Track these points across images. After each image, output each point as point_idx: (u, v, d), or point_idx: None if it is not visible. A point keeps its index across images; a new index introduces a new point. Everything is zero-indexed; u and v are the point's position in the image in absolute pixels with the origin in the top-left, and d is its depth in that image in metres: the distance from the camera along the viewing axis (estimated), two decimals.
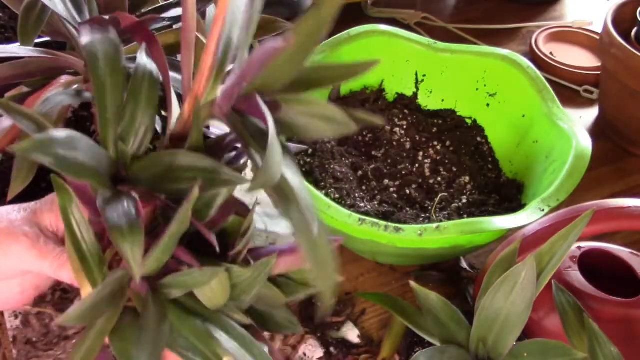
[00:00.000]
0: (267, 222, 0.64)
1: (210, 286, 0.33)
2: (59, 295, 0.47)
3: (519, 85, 0.66)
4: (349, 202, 0.58)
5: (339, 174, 0.62)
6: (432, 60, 0.70)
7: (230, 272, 0.34)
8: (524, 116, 0.66)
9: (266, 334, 0.39)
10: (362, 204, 0.59)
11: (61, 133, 0.26)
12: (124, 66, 0.32)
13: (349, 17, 0.94)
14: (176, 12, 0.39)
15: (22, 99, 0.40)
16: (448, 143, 0.69)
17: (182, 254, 0.33)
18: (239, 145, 0.33)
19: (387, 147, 0.68)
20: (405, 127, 0.70)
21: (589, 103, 0.86)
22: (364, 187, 0.63)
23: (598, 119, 0.83)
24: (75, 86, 0.38)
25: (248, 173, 0.33)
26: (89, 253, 0.34)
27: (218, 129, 0.39)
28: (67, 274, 0.36)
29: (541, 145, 0.62)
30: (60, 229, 0.38)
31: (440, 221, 0.55)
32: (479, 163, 0.68)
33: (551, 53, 0.91)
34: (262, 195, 0.30)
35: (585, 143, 0.56)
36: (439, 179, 0.65)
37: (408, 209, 0.60)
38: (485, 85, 0.70)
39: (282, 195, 0.27)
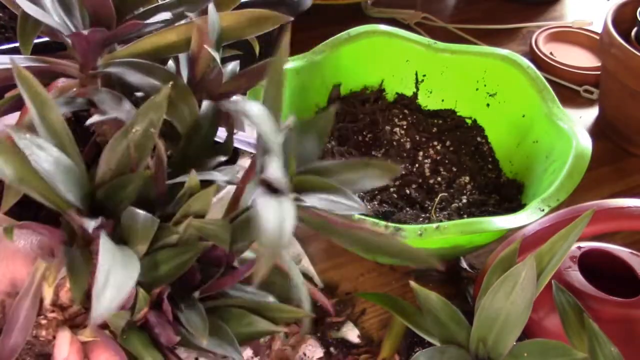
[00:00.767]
0: None
1: None
2: None
3: (519, 85, 0.66)
4: None
5: None
6: (432, 60, 0.70)
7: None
8: (524, 116, 0.66)
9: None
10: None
11: None
12: None
13: (349, 17, 0.94)
14: (162, 16, 0.38)
15: (21, 99, 0.40)
16: (448, 143, 0.69)
17: None
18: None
19: (387, 147, 0.68)
20: (405, 127, 0.70)
21: (589, 103, 0.86)
22: None
23: (598, 119, 0.83)
24: (71, 91, 0.38)
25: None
26: None
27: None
28: None
29: (541, 145, 0.62)
30: None
31: (440, 221, 0.55)
32: (479, 163, 0.68)
33: (551, 53, 0.91)
34: None
35: (585, 143, 0.56)
36: (439, 179, 0.65)
37: (408, 209, 0.60)
38: (485, 85, 0.70)
39: None
